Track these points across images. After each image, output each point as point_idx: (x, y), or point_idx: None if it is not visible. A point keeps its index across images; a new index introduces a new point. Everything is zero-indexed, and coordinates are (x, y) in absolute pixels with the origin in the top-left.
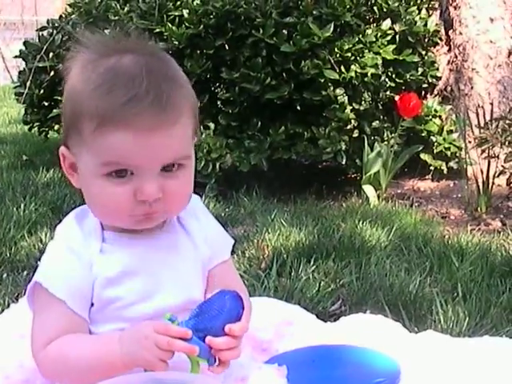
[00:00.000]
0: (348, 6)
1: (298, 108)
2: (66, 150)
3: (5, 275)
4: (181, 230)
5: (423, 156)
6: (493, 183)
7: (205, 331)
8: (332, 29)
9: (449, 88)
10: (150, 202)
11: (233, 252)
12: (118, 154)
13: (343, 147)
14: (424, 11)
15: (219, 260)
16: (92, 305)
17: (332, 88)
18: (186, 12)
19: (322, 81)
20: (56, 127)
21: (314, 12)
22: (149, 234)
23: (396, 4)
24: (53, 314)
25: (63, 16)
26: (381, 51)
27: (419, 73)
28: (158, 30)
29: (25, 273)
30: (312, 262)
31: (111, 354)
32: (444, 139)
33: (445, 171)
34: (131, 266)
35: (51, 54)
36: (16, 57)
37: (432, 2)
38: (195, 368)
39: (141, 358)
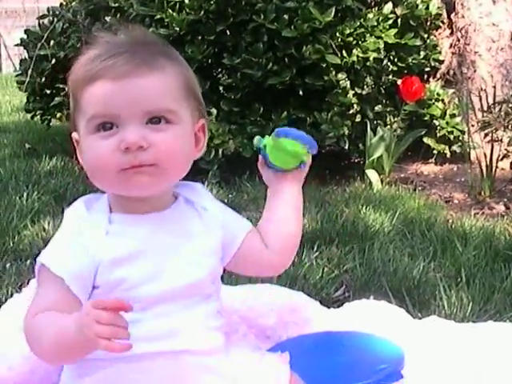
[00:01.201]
0: None
1: (300, 93)
2: (75, 133)
3: (8, 264)
4: (192, 212)
5: (426, 140)
6: (496, 167)
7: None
8: (333, 13)
9: (451, 71)
10: (134, 152)
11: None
12: (100, 103)
13: (346, 132)
14: None
15: (243, 232)
16: (96, 288)
17: (334, 73)
18: None
19: (324, 66)
20: (58, 115)
21: None
22: (157, 214)
23: None
24: (51, 289)
25: (64, 3)
26: (382, 35)
27: (421, 56)
28: (158, 17)
29: (28, 262)
30: (315, 248)
31: (67, 333)
32: (447, 123)
33: (448, 155)
34: (138, 246)
35: (52, 42)
36: (17, 45)
37: None
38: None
39: (84, 337)
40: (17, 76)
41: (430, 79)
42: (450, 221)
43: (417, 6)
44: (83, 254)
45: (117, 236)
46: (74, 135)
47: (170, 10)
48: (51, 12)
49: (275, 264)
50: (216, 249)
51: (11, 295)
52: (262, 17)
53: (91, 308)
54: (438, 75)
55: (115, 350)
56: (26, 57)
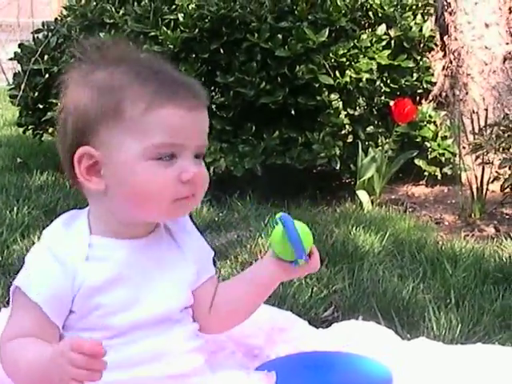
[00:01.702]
0: (343, 11)
1: (293, 113)
2: (92, 148)
3: None
4: (171, 241)
5: (418, 161)
6: (487, 189)
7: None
8: (327, 33)
9: (444, 94)
10: (190, 184)
11: (226, 257)
12: (172, 131)
13: (337, 152)
14: (419, 17)
15: (207, 275)
16: (72, 312)
17: (326, 93)
18: (181, 16)
19: (317, 86)
20: (50, 130)
21: (309, 17)
22: (137, 241)
23: (391, 9)
24: (26, 315)
25: (58, 19)
26: (376, 56)
27: (414, 78)
28: (152, 34)
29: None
30: None
31: (42, 368)
32: (438, 145)
33: (439, 177)
34: (117, 274)
35: (46, 57)
36: (11, 59)
37: (427, 8)
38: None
39: (57, 377)
40: (10, 90)
41: (423, 101)
42: (440, 242)
43: (410, 28)
44: (62, 279)
45: (97, 262)
46: (90, 151)
47: (165, 28)
48: (46, 27)
49: (210, 323)
50: (190, 282)
51: None
52: (256, 36)
53: (68, 350)
54: (431, 97)
55: None
56: (20, 71)
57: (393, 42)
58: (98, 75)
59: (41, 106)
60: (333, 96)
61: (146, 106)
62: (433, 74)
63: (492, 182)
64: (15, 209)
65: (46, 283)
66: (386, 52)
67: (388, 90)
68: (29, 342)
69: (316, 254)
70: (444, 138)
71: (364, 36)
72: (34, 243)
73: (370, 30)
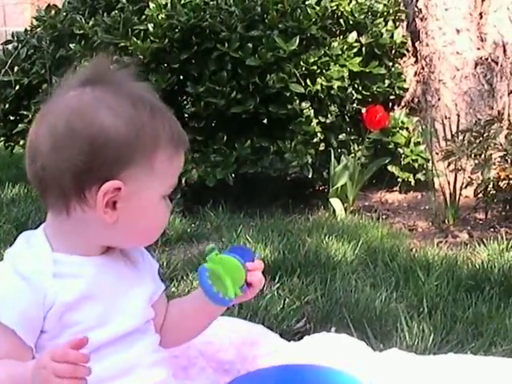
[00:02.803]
0: (314, 19)
1: (264, 122)
2: (122, 184)
3: None
4: (125, 259)
5: (391, 168)
6: (460, 195)
7: (244, 259)
8: (297, 42)
9: (416, 99)
10: None
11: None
12: (177, 172)
13: (309, 160)
14: (390, 23)
15: (161, 290)
16: (43, 332)
17: (298, 101)
18: (150, 26)
19: (288, 94)
20: (22, 142)
21: (280, 25)
22: (98, 258)
23: (362, 16)
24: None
25: (28, 29)
26: (347, 63)
27: (386, 85)
28: (122, 44)
29: None
30: (277, 279)
31: None
32: (411, 151)
33: (412, 183)
34: (86, 290)
35: (16, 68)
36: None
37: (398, 14)
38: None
39: None
40: None
41: (395, 107)
42: (414, 250)
43: (381, 34)
44: (32, 299)
45: (65, 279)
46: (119, 185)
47: (135, 38)
48: (16, 38)
49: (164, 336)
50: (151, 295)
51: None
52: (227, 45)
53: (49, 361)
54: (403, 103)
55: None
56: None
57: (364, 48)
58: (119, 104)
59: (12, 118)
60: (304, 104)
61: (170, 154)
62: (405, 80)
63: (465, 187)
64: None
65: (16, 305)
66: (358, 59)
67: (360, 96)
68: (6, 363)
69: (255, 279)
70: (417, 144)
71: (335, 43)
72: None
73: (340, 37)
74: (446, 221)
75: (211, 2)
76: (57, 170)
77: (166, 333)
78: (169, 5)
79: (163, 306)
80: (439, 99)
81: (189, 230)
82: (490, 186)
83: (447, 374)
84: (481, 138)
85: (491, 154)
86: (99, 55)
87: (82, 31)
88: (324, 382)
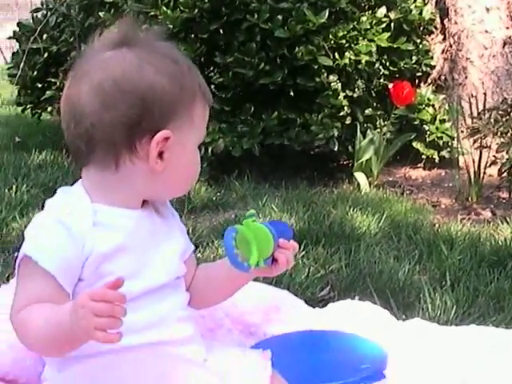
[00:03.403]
0: None
1: (291, 94)
2: (171, 133)
3: None
4: (158, 215)
5: (415, 144)
6: (484, 173)
7: (279, 235)
8: (327, 15)
9: (443, 77)
10: None
11: (223, 236)
12: (205, 127)
13: (336, 134)
14: (419, 0)
15: (190, 249)
16: (80, 280)
17: (326, 74)
18: None
19: (316, 67)
20: (49, 109)
21: None
22: (135, 211)
23: None
24: (38, 284)
25: None
26: (375, 38)
27: (413, 61)
28: (152, 13)
29: (16, 254)
30: (302, 248)
31: (63, 326)
32: (437, 128)
33: (437, 160)
34: (124, 241)
35: (45, 36)
36: (10, 38)
37: None
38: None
39: (81, 330)
40: (8, 69)
41: (421, 84)
42: (437, 225)
43: (410, 10)
44: (72, 246)
45: (104, 228)
46: (169, 134)
47: (164, 8)
48: (45, 6)
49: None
50: (182, 253)
51: None
52: (256, 16)
53: (87, 300)
54: (430, 80)
55: (112, 341)
56: (18, 50)
57: (392, 24)
58: (159, 61)
59: (40, 85)
60: (332, 78)
61: (203, 107)
62: (432, 58)
63: (489, 166)
64: (14, 187)
65: (57, 251)
66: (386, 34)
67: (387, 72)
68: (46, 307)
69: (282, 257)
70: (442, 121)
71: (364, 18)
72: None
73: (369, 12)
74: (470, 198)
75: None
76: (109, 125)
77: (192, 294)
78: None
79: (192, 266)
80: (466, 77)
81: (214, 199)
82: None
83: (469, 344)
84: (507, 117)
85: None
86: (125, 18)
87: (111, 0)
88: (348, 349)
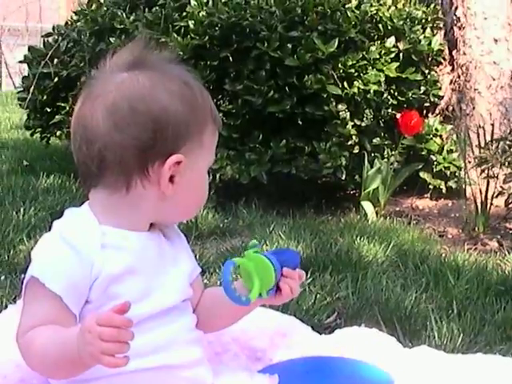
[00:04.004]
0: (353, 23)
1: (300, 122)
2: (183, 157)
3: (3, 277)
4: (164, 238)
5: (423, 174)
6: (491, 204)
7: (283, 264)
8: (336, 44)
9: (450, 108)
10: None
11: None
12: (214, 150)
13: (343, 163)
14: (428, 30)
15: (197, 272)
16: (87, 302)
17: (334, 103)
18: (191, 23)
19: (325, 96)
20: (58, 133)
21: (319, 27)
22: (142, 233)
23: (401, 22)
24: (45, 305)
25: (69, 23)
26: (384, 68)
27: (421, 91)
28: (163, 40)
29: (22, 276)
30: (309, 275)
31: (69, 350)
32: (444, 158)
33: (444, 190)
34: (132, 263)
35: (56, 61)
36: (21, 62)
37: (437, 22)
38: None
39: (88, 354)
40: (18, 93)
41: (429, 114)
42: (444, 254)
43: (419, 41)
44: (79, 268)
45: (113, 250)
46: (182, 159)
47: (175, 34)
48: (56, 30)
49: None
50: (189, 274)
51: (6, 307)
52: (266, 45)
53: (94, 325)
54: (437, 111)
55: (119, 365)
56: (29, 74)
57: (401, 54)
58: (172, 84)
59: (49, 110)
60: (340, 106)
61: (213, 130)
62: (440, 88)
63: (496, 196)
64: (22, 210)
65: (64, 272)
66: (395, 64)
67: (395, 102)
68: (50, 328)
69: (286, 287)
70: (450, 151)
71: (373, 48)
72: None
73: (379, 42)
74: (476, 228)
75: (252, 2)
76: (121, 147)
77: (198, 318)
78: (210, 2)
79: (199, 288)
80: (474, 108)
81: (221, 226)
82: None
83: (476, 373)
84: None
85: None
86: (137, 41)
87: (122, 26)
88: (355, 375)
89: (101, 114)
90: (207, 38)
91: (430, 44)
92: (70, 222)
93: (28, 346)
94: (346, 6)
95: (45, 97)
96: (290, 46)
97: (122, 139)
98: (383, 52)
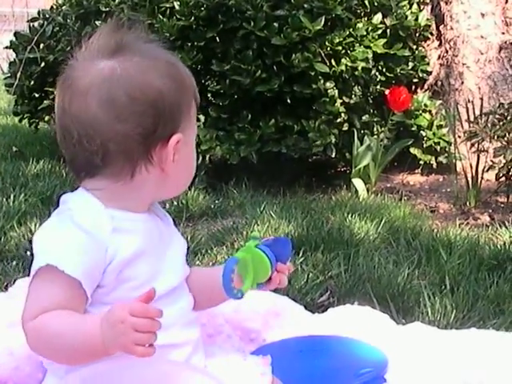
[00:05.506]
0: (339, 0)
1: (288, 101)
2: (181, 135)
3: None
4: (161, 218)
5: (413, 150)
6: (482, 178)
7: (277, 258)
8: (323, 22)
9: (439, 83)
10: None
11: (222, 243)
12: None
13: (333, 140)
14: (415, 6)
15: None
16: (99, 286)
17: (322, 81)
18: (177, 4)
19: (313, 74)
20: (46, 118)
21: (305, 5)
22: (146, 215)
23: None
24: (60, 290)
25: (54, 7)
26: (371, 45)
27: (410, 67)
28: (148, 22)
29: (14, 262)
30: (301, 254)
31: (92, 338)
32: (434, 134)
33: (434, 166)
34: (141, 245)
35: (42, 45)
36: (7, 47)
37: None
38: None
39: (119, 344)
40: (5, 79)
41: (418, 90)
42: (435, 230)
43: (406, 16)
44: (95, 252)
45: (123, 233)
46: (181, 137)
47: (161, 16)
48: (42, 15)
49: None
50: (184, 254)
51: None
52: (252, 24)
53: (127, 315)
54: (426, 86)
55: (149, 354)
56: (16, 59)
57: (388, 30)
58: (159, 65)
59: (37, 95)
60: (328, 84)
61: (196, 104)
62: (428, 63)
63: (487, 170)
64: (12, 196)
65: (82, 257)
66: (382, 41)
67: (383, 78)
68: (64, 314)
69: (276, 278)
70: (439, 126)
71: (360, 25)
72: (30, 230)
73: (365, 18)
74: (468, 203)
75: None
76: (125, 137)
77: None
78: None
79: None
80: (462, 83)
81: (212, 206)
82: None
83: (470, 347)
84: (504, 121)
85: None
86: (109, 22)
87: (107, 8)
88: (348, 353)
89: (98, 108)
90: (193, 18)
91: (416, 19)
92: (78, 207)
93: (39, 329)
94: None
95: (32, 82)
96: (276, 24)
97: (125, 129)
98: (370, 28)
